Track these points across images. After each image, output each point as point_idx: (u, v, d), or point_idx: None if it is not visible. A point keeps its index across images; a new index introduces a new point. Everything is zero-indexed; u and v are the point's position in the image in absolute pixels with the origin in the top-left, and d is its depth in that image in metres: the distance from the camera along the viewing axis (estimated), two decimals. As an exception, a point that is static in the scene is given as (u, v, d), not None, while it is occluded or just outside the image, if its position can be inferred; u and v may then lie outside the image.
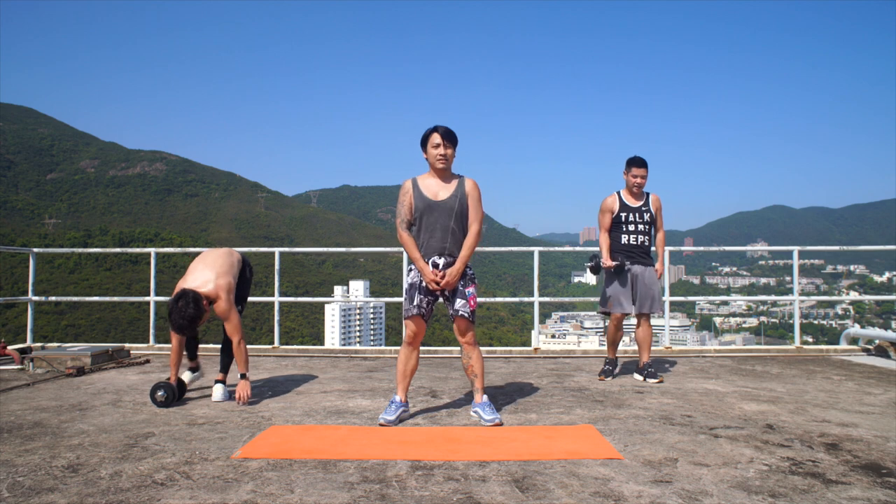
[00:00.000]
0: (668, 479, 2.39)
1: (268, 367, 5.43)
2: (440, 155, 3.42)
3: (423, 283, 3.45)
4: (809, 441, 2.96)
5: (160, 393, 3.77)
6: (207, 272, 3.94)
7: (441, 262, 3.44)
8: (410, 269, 3.55)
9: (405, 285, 3.59)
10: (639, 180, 4.72)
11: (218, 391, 4.01)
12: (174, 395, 3.81)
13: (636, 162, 4.73)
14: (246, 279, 4.29)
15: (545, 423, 3.35)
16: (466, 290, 3.45)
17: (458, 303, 3.43)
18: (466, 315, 3.42)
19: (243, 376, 3.87)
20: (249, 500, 2.18)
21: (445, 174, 3.49)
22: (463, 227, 3.49)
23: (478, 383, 3.47)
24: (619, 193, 4.84)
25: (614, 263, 4.69)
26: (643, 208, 4.77)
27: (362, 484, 2.35)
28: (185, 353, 4.06)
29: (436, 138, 3.43)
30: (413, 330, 3.46)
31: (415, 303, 3.44)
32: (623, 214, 4.76)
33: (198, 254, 4.26)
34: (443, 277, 3.39)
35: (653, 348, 5.62)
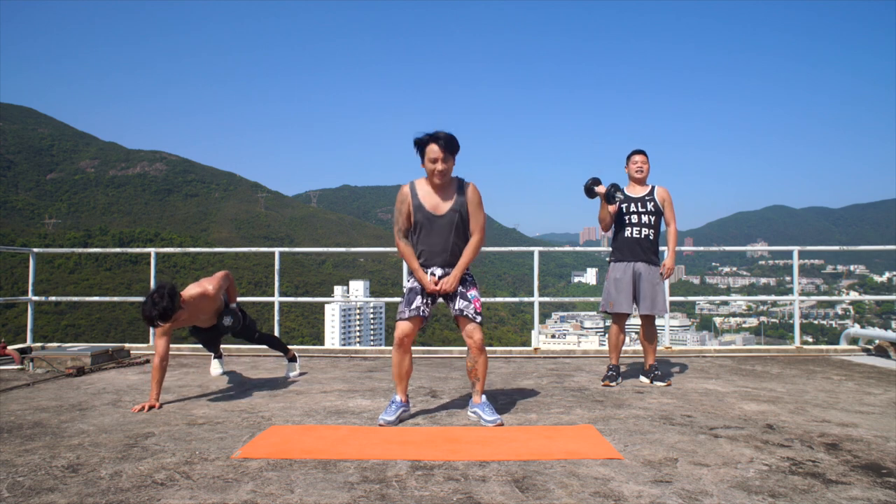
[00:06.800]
0: (668, 479, 2.39)
1: (268, 368, 5.42)
2: (439, 171, 3.21)
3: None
4: (809, 441, 2.96)
5: (228, 319, 4.21)
6: (203, 283, 4.15)
7: (439, 272, 3.41)
8: (411, 276, 3.52)
9: (405, 289, 3.53)
10: (638, 165, 4.62)
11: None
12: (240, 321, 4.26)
13: (634, 151, 4.68)
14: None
15: (545, 423, 3.35)
16: (468, 293, 3.42)
17: (461, 303, 3.40)
18: (471, 316, 3.38)
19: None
20: (249, 500, 2.18)
21: (444, 183, 3.36)
22: (464, 238, 3.43)
23: (479, 386, 3.44)
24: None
25: (606, 189, 4.52)
26: (647, 198, 4.60)
27: (362, 484, 2.35)
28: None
29: (433, 151, 3.17)
30: (406, 332, 3.36)
31: (413, 305, 3.39)
32: (624, 206, 4.61)
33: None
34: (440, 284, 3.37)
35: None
